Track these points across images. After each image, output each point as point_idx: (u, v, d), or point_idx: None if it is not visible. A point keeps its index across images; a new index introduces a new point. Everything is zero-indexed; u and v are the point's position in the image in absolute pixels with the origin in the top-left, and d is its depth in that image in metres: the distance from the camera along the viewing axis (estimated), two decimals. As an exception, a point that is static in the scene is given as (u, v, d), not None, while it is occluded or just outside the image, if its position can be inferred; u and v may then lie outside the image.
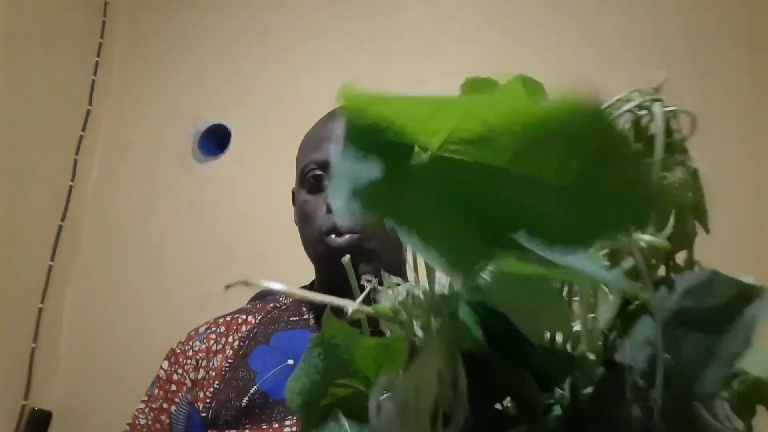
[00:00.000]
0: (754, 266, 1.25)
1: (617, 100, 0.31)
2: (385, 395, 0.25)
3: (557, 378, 0.27)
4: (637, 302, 0.26)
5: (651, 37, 1.42)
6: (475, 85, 0.26)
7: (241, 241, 1.66)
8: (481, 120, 0.23)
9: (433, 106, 0.24)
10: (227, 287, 0.27)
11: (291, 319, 0.84)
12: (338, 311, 0.29)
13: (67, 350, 1.76)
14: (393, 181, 0.24)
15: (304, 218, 0.81)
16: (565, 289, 0.29)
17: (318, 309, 0.83)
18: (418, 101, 0.24)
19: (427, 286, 0.28)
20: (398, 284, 0.31)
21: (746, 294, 0.23)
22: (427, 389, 0.24)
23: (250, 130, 1.78)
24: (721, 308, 0.24)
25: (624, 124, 0.29)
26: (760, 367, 0.27)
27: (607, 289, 0.27)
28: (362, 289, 0.31)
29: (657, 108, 0.30)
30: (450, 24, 1.62)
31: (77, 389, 1.71)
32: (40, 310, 1.69)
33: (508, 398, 0.27)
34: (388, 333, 0.33)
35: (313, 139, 0.82)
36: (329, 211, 0.76)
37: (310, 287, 0.88)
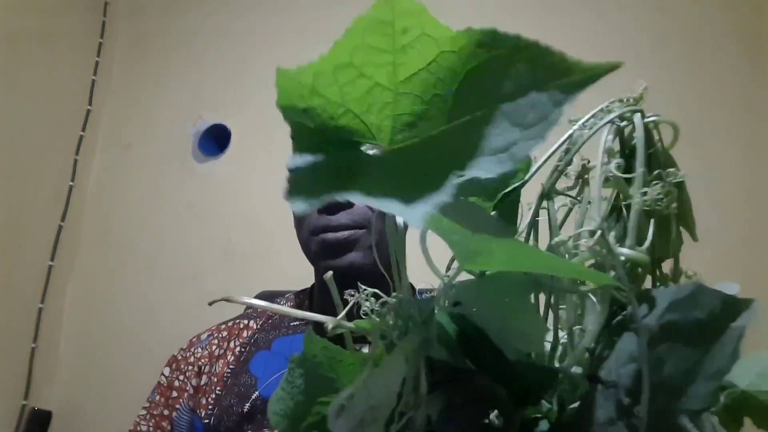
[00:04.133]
0: (751, 267, 1.25)
1: (599, 110, 0.30)
2: (344, 404, 0.24)
3: (539, 392, 0.26)
4: (622, 315, 0.26)
5: (651, 37, 1.42)
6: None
7: (241, 241, 1.66)
8: (411, 97, 0.25)
9: (360, 93, 0.25)
10: (211, 303, 0.28)
11: (292, 324, 0.84)
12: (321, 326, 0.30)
13: (67, 350, 1.76)
14: (348, 167, 0.25)
15: (296, 221, 0.82)
16: (552, 300, 0.29)
17: (318, 312, 0.83)
18: (343, 88, 0.25)
19: (408, 294, 0.28)
20: (375, 295, 0.30)
21: (731, 307, 0.23)
22: (388, 394, 0.24)
23: (250, 130, 1.78)
24: (706, 322, 0.23)
25: (608, 134, 0.29)
26: (747, 380, 0.26)
27: (594, 300, 0.27)
28: (346, 303, 0.31)
29: (638, 119, 0.29)
30: (448, 24, 1.61)
31: (77, 389, 1.71)
32: (40, 310, 1.69)
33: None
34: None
35: None
36: (320, 211, 0.76)
37: (310, 290, 0.88)
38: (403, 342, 0.26)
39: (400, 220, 0.29)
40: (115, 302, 1.75)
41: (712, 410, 0.25)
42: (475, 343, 0.26)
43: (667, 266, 0.31)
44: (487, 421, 0.25)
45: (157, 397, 0.82)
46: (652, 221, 0.28)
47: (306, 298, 0.87)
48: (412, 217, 0.21)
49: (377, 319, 0.28)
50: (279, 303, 0.89)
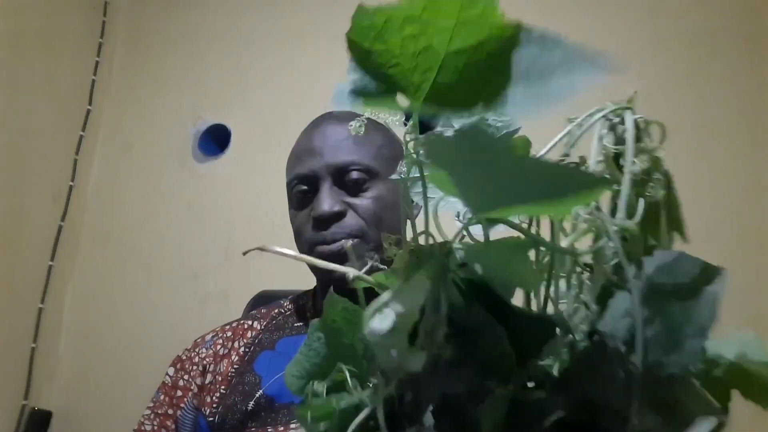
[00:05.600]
0: (752, 267, 1.25)
1: (595, 110, 0.33)
2: (371, 317, 0.26)
3: (540, 342, 0.28)
4: (614, 279, 0.28)
5: (651, 37, 1.42)
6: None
7: (241, 241, 1.66)
8: (453, 69, 0.29)
9: (414, 50, 0.29)
10: (245, 253, 0.30)
11: (295, 324, 0.85)
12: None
13: (67, 350, 1.76)
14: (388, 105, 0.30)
15: (294, 232, 0.82)
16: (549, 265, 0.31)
17: (321, 314, 0.83)
18: (404, 41, 0.29)
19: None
20: (398, 241, 0.32)
21: (708, 272, 0.26)
22: (413, 306, 0.26)
23: (250, 130, 1.78)
24: (687, 285, 0.26)
25: (602, 130, 0.33)
26: (734, 352, 0.29)
27: (590, 263, 0.29)
28: (365, 265, 0.32)
29: (628, 116, 0.33)
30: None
31: (77, 389, 1.71)
32: (40, 310, 1.69)
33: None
34: None
35: (296, 153, 0.83)
36: (315, 225, 0.77)
37: (313, 292, 0.89)
38: (427, 265, 0.28)
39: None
40: (115, 302, 1.75)
41: (701, 380, 0.27)
42: (480, 293, 0.28)
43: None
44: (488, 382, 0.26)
45: (162, 397, 0.82)
46: (641, 200, 0.31)
47: (308, 300, 0.88)
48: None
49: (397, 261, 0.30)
50: (284, 305, 0.89)
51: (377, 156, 0.79)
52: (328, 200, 0.76)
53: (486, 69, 0.28)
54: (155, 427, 0.80)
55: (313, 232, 0.77)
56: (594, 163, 0.31)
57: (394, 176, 0.34)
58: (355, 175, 0.77)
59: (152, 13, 1.99)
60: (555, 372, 0.28)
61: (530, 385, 0.28)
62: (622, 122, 0.33)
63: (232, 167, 1.77)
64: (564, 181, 0.23)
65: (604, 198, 0.32)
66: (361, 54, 0.30)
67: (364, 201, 0.77)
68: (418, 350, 0.26)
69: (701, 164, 1.30)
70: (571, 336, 0.28)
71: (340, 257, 0.75)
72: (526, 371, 0.27)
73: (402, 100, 0.30)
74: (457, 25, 0.28)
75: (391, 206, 0.79)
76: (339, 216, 0.76)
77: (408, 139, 0.32)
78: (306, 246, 0.79)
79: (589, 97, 0.29)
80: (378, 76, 0.30)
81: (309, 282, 0.90)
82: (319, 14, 1.78)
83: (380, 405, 0.27)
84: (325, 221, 0.75)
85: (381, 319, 0.25)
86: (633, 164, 0.31)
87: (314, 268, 0.80)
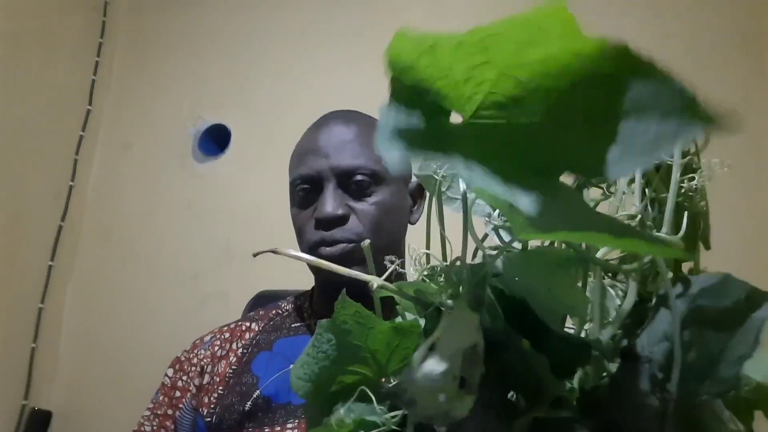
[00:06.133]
0: (751, 267, 1.25)
1: None
2: (422, 360, 0.25)
3: (574, 364, 0.27)
4: (656, 296, 0.27)
5: (651, 37, 1.42)
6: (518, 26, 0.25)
7: (241, 241, 1.66)
8: (514, 81, 0.25)
9: (469, 65, 0.25)
10: (255, 254, 0.29)
11: (293, 325, 0.85)
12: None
13: (67, 350, 1.76)
14: (434, 134, 0.25)
15: (296, 231, 0.82)
16: (589, 276, 0.30)
17: (319, 315, 0.83)
18: (457, 57, 0.25)
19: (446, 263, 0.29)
20: (425, 256, 0.31)
21: (755, 298, 0.24)
22: (462, 350, 0.25)
23: (250, 130, 1.78)
24: (731, 310, 0.24)
25: None
26: (762, 373, 0.27)
27: (627, 283, 0.27)
28: (385, 269, 0.31)
29: None
30: (448, 23, 1.61)
31: (77, 389, 1.71)
32: (40, 310, 1.69)
33: (519, 386, 0.27)
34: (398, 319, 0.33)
35: (300, 152, 0.82)
36: (317, 226, 0.77)
37: (311, 292, 0.89)
38: (460, 300, 0.26)
39: (462, 185, 0.28)
40: (115, 302, 1.75)
41: (727, 400, 0.26)
42: (517, 311, 0.27)
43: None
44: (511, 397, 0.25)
45: (161, 398, 0.83)
46: (686, 213, 0.29)
47: (306, 301, 0.88)
48: (521, 201, 0.22)
49: (426, 278, 0.28)
50: (282, 306, 0.89)
51: (382, 160, 0.79)
52: (331, 203, 0.76)
53: (568, 84, 0.24)
54: (154, 428, 0.80)
55: (314, 233, 0.77)
56: (638, 181, 0.29)
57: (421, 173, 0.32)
58: (359, 179, 0.77)
59: (152, 13, 1.99)
60: (579, 385, 0.27)
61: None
62: None
63: (232, 167, 1.77)
64: (626, 237, 0.22)
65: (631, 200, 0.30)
66: (401, 70, 0.26)
67: (366, 206, 0.77)
68: (466, 395, 0.24)
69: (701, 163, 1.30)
70: (600, 358, 0.27)
71: (341, 260, 0.75)
72: (556, 390, 0.26)
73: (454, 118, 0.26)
74: (525, 44, 0.24)
75: (393, 211, 0.79)
76: (342, 219, 0.76)
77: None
78: (307, 246, 0.79)
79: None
80: (421, 94, 0.26)
81: (309, 282, 0.90)
82: (319, 14, 1.78)
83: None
84: (328, 223, 0.76)
85: (435, 363, 0.24)
86: (685, 181, 0.28)
87: (314, 269, 0.80)
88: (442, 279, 0.28)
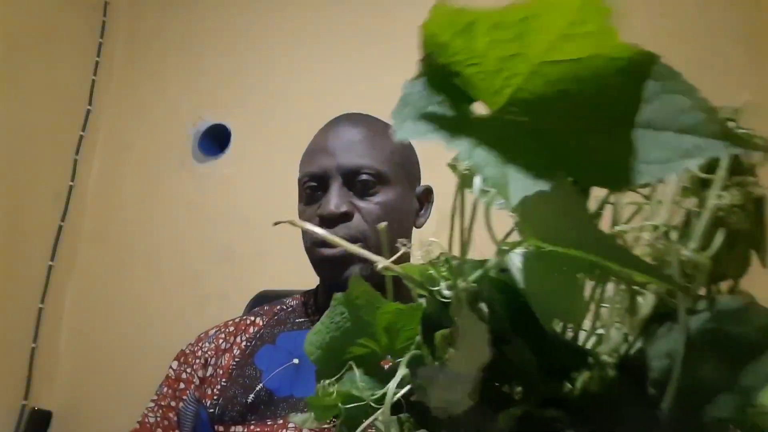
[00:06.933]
0: (752, 268, 1.25)
1: None
2: (436, 365, 0.26)
3: (567, 370, 0.27)
4: (668, 312, 0.26)
5: (651, 37, 1.42)
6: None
7: (241, 241, 1.66)
8: (544, 79, 0.25)
9: (502, 54, 0.25)
10: (275, 224, 0.30)
11: (297, 320, 0.86)
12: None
13: (67, 350, 1.76)
14: (455, 121, 0.25)
15: (302, 228, 0.82)
16: (598, 291, 0.29)
17: (323, 311, 0.84)
18: (492, 42, 0.24)
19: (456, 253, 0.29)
20: (430, 244, 0.32)
21: None
22: (474, 360, 0.25)
23: (250, 130, 1.78)
24: (750, 338, 0.23)
25: None
26: None
27: (642, 296, 0.27)
28: (396, 251, 0.32)
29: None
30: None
31: (77, 389, 1.71)
32: (40, 310, 1.69)
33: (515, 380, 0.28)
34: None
35: (310, 151, 0.84)
36: (320, 223, 0.77)
37: (315, 291, 0.90)
38: (457, 294, 0.27)
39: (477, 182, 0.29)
40: (115, 302, 1.75)
41: (738, 426, 0.25)
42: (516, 309, 0.27)
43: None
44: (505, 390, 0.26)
45: (165, 389, 0.84)
46: (720, 230, 0.27)
47: (311, 297, 0.89)
48: (509, 193, 0.22)
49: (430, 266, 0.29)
50: (287, 302, 0.90)
51: (388, 161, 0.80)
52: (335, 200, 0.77)
53: (586, 92, 0.24)
54: (158, 419, 0.81)
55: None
56: (671, 192, 0.27)
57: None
58: (364, 178, 0.78)
59: (152, 13, 1.99)
60: (576, 389, 0.27)
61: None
62: None
63: (232, 167, 1.77)
64: (639, 269, 0.22)
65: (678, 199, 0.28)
66: (435, 47, 0.25)
67: (370, 205, 0.78)
68: (470, 400, 0.25)
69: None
70: (597, 369, 0.26)
71: (342, 259, 0.76)
72: (548, 389, 0.26)
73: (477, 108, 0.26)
74: (559, 39, 0.24)
75: (398, 213, 0.80)
76: (346, 216, 0.77)
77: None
78: (309, 242, 0.81)
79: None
80: (450, 77, 0.26)
81: (309, 283, 0.90)
82: (319, 14, 1.78)
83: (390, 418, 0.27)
84: (331, 220, 0.77)
85: (451, 388, 0.25)
86: (720, 197, 0.26)
87: (319, 267, 0.81)
88: (444, 269, 0.29)
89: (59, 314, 1.76)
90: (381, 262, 0.29)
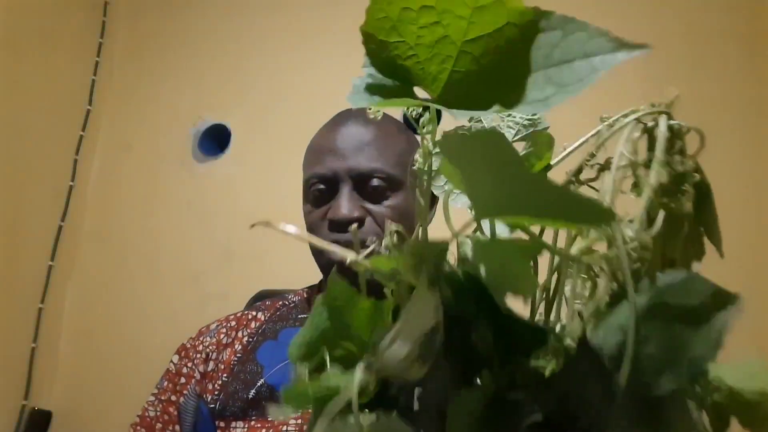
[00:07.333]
0: (752, 268, 1.25)
1: (631, 111, 0.32)
2: (389, 344, 0.26)
3: (527, 348, 0.27)
4: (622, 293, 0.27)
5: (651, 37, 1.42)
6: None
7: (241, 241, 1.66)
8: (470, 57, 0.28)
9: (431, 39, 0.28)
10: (252, 226, 0.30)
11: (299, 316, 0.86)
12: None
13: (67, 350, 1.76)
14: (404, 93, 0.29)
15: (307, 228, 0.82)
16: (554, 278, 0.31)
17: None
18: (421, 30, 0.28)
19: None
20: (397, 231, 0.32)
21: (720, 298, 0.24)
22: (423, 331, 0.26)
23: (250, 130, 1.78)
24: (696, 308, 0.24)
25: (634, 132, 0.31)
26: (735, 378, 0.27)
27: (599, 276, 0.28)
28: (366, 248, 0.33)
29: (662, 121, 0.31)
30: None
31: (77, 389, 1.71)
32: (40, 310, 1.69)
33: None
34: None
35: (317, 149, 0.82)
36: (330, 227, 0.76)
37: (318, 286, 0.90)
38: (421, 280, 0.27)
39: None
40: (115, 302, 1.75)
41: (701, 406, 0.26)
42: (476, 292, 0.28)
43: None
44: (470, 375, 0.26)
45: (166, 384, 0.83)
46: (661, 212, 0.29)
47: (314, 293, 0.89)
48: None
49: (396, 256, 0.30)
50: (289, 298, 0.90)
51: (399, 163, 0.79)
52: (347, 205, 0.75)
53: (505, 57, 0.28)
54: (158, 413, 0.81)
55: (328, 234, 0.77)
56: (615, 168, 0.30)
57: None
58: (376, 182, 0.77)
59: (152, 13, 1.99)
60: (538, 369, 0.27)
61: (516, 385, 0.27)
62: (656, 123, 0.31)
63: (232, 167, 1.77)
64: (571, 208, 0.22)
65: (634, 204, 0.30)
66: (376, 47, 0.29)
67: (382, 209, 0.77)
68: (422, 366, 0.26)
69: (701, 164, 1.30)
70: (557, 344, 0.27)
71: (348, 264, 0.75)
72: (511, 371, 0.27)
73: (420, 93, 0.30)
74: (474, 12, 0.27)
75: (409, 216, 0.79)
76: (357, 222, 0.76)
77: (424, 132, 0.32)
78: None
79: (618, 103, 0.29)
80: (394, 68, 0.29)
81: (309, 283, 0.90)
82: (319, 14, 1.78)
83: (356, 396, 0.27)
84: (342, 225, 0.75)
85: (399, 346, 0.25)
86: (658, 174, 0.29)
87: (321, 263, 0.80)
88: (405, 254, 0.29)
89: (59, 314, 1.76)
90: (350, 256, 0.30)
